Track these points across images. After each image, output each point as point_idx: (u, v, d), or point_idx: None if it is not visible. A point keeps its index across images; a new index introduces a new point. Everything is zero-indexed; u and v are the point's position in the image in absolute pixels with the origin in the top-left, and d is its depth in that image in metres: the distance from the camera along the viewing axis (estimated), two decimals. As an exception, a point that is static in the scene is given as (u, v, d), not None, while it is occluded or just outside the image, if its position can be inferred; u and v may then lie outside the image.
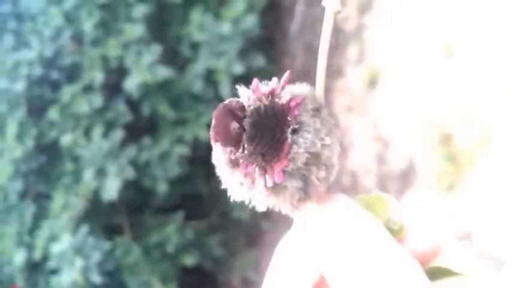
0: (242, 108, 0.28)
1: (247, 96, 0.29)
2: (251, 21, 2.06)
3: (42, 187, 1.90)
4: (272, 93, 0.29)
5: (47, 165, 1.89)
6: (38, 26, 1.91)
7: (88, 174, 1.82)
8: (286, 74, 0.31)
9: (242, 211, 2.09)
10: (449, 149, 1.63)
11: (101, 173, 1.83)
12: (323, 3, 0.31)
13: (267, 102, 0.28)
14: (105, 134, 1.87)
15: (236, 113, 0.28)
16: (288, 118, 0.27)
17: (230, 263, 2.01)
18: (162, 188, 1.90)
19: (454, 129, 1.62)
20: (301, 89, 0.30)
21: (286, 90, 0.29)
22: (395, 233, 0.32)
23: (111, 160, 1.82)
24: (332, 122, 0.29)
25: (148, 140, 1.93)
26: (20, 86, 1.83)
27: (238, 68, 1.98)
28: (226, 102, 0.30)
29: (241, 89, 0.30)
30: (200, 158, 2.00)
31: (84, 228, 1.79)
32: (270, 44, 2.27)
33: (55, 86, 1.90)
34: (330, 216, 0.27)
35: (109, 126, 1.89)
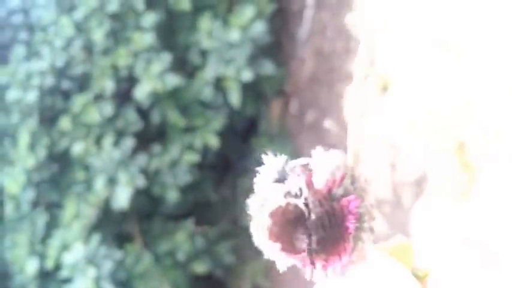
0: (298, 209, 0.32)
1: (299, 187, 0.33)
2: (260, 28, 2.00)
3: (54, 196, 1.85)
4: (329, 191, 0.33)
5: (58, 174, 1.84)
6: (49, 37, 1.86)
7: (99, 183, 1.77)
8: (341, 174, 0.34)
9: (253, 217, 2.02)
10: (463, 156, 1.54)
11: (112, 181, 1.77)
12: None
13: (324, 202, 0.32)
14: (116, 143, 1.81)
15: (296, 219, 0.31)
16: (349, 216, 0.31)
17: (241, 271, 1.94)
18: (172, 195, 1.84)
19: (467, 137, 1.53)
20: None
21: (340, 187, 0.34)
22: (421, 279, 0.34)
23: (122, 169, 1.76)
24: (363, 184, 0.34)
25: (158, 148, 1.87)
26: (32, 96, 1.78)
27: (247, 75, 1.92)
28: (282, 206, 0.33)
29: (290, 177, 0.35)
30: (209, 164, 1.93)
31: (96, 237, 1.73)
32: (279, 49, 2.20)
33: (66, 96, 1.85)
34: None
35: (120, 135, 1.84)
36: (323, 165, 0.31)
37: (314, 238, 0.28)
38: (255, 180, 0.40)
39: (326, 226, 0.29)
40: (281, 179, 0.36)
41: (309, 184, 0.30)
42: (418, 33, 1.74)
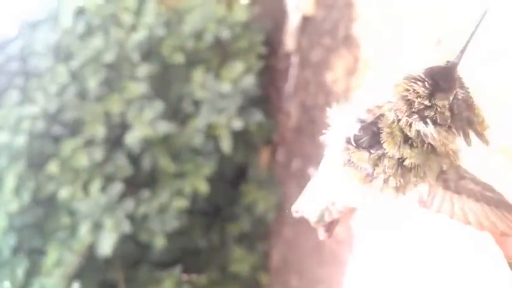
0: None
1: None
2: (249, 81, 1.83)
3: (36, 242, 1.55)
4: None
5: (42, 219, 1.56)
6: (44, 83, 1.65)
7: (84, 229, 1.49)
8: None
9: (241, 265, 1.73)
10: None
11: (97, 227, 1.49)
12: None
13: None
14: (104, 188, 1.55)
15: None
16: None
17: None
18: (159, 242, 1.56)
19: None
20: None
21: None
22: None
23: (108, 214, 1.49)
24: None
25: (147, 193, 1.61)
26: (21, 140, 1.54)
27: (238, 124, 1.71)
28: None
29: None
30: (198, 210, 1.67)
31: (77, 286, 1.42)
32: (267, 102, 2.03)
33: (57, 140, 1.61)
34: None
35: (108, 180, 1.58)
36: None
37: None
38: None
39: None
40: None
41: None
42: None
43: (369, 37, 1.71)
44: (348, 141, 0.28)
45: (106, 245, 1.48)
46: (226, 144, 1.70)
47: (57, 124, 1.62)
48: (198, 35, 1.91)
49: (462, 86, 0.27)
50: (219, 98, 1.77)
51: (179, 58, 1.82)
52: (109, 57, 1.69)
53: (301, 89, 2.12)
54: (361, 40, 1.74)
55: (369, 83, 1.73)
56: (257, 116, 1.82)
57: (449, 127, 0.26)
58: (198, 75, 1.81)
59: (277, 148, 1.99)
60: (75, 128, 1.64)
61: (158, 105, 1.68)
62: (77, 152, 1.57)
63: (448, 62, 0.28)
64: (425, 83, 0.27)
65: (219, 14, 1.96)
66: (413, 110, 0.26)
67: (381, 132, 0.26)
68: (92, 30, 1.75)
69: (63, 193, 1.54)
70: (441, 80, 0.26)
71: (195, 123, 1.74)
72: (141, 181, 1.67)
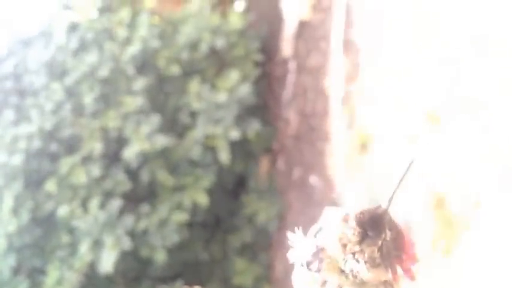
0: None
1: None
2: (245, 90, 1.82)
3: (36, 261, 1.54)
4: None
5: (42, 238, 1.54)
6: (39, 101, 1.64)
7: (84, 247, 1.47)
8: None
9: (243, 276, 1.71)
10: (444, 212, 1.31)
11: (97, 244, 1.47)
12: None
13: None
14: (103, 204, 1.54)
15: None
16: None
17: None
18: (160, 256, 1.55)
19: (447, 192, 1.31)
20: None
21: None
22: None
23: (108, 231, 1.48)
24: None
25: (146, 208, 1.60)
26: (17, 160, 1.52)
27: (235, 134, 1.70)
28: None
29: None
30: (199, 223, 1.65)
31: (78, 305, 1.41)
32: (266, 110, 2.01)
33: (54, 158, 1.60)
34: None
35: (107, 196, 1.57)
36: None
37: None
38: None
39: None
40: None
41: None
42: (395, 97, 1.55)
43: (365, 41, 1.69)
44: (302, 265, 0.33)
45: (107, 262, 1.47)
46: (224, 155, 1.68)
47: (53, 142, 1.61)
48: (193, 45, 1.89)
49: (392, 228, 0.30)
50: (216, 109, 1.75)
51: (175, 69, 1.81)
52: (104, 72, 1.67)
53: (300, 96, 2.10)
54: (360, 44, 1.72)
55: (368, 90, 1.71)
56: (254, 125, 1.80)
57: (380, 264, 0.30)
58: (194, 86, 1.79)
59: (277, 156, 1.97)
60: (72, 145, 1.63)
61: (155, 119, 1.67)
62: (74, 169, 1.56)
63: (378, 207, 0.32)
64: (355, 231, 0.31)
65: (214, 23, 1.94)
66: (347, 251, 0.31)
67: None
68: (86, 46, 1.74)
69: (62, 211, 1.53)
70: (370, 228, 0.30)
71: (192, 134, 1.72)
72: (140, 196, 1.65)
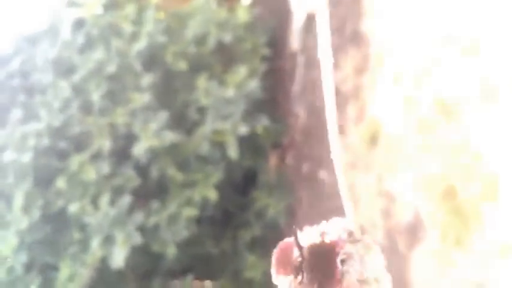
0: (299, 244, 0.29)
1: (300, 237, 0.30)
2: (253, 85, 1.80)
3: (48, 258, 1.55)
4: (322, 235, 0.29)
5: (53, 234, 1.55)
6: (47, 99, 1.64)
7: (95, 243, 1.48)
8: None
9: (254, 271, 1.71)
10: (454, 202, 1.29)
11: (108, 240, 1.48)
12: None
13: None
14: (113, 201, 1.54)
15: (296, 246, 0.29)
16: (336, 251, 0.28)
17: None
18: (171, 251, 1.55)
19: (457, 182, 1.29)
20: (336, 225, 0.30)
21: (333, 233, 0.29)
22: None
23: (119, 227, 1.48)
24: (368, 241, 0.29)
25: (156, 204, 1.60)
26: (27, 157, 1.53)
27: (243, 129, 1.69)
28: (286, 240, 0.30)
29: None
30: (209, 218, 1.65)
31: (90, 301, 1.41)
32: (274, 105, 1.99)
33: (63, 155, 1.60)
34: None
35: (117, 192, 1.57)
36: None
37: (306, 262, 0.26)
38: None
39: (317, 257, 0.26)
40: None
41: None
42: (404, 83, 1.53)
43: (379, 33, 1.66)
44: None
45: (118, 258, 1.47)
46: (233, 150, 1.67)
47: (62, 139, 1.61)
48: (200, 40, 1.88)
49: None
50: (224, 104, 1.74)
51: (182, 65, 1.80)
52: (111, 68, 1.67)
53: (309, 90, 2.08)
54: (372, 36, 1.69)
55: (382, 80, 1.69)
56: (263, 120, 1.78)
57: None
58: (202, 81, 1.78)
59: (287, 151, 1.96)
60: (81, 142, 1.63)
61: (163, 115, 1.66)
62: (84, 166, 1.56)
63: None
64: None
65: (221, 16, 1.92)
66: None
67: None
68: (92, 42, 1.73)
69: (73, 208, 1.53)
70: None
71: (200, 130, 1.71)
72: (149, 192, 1.65)
